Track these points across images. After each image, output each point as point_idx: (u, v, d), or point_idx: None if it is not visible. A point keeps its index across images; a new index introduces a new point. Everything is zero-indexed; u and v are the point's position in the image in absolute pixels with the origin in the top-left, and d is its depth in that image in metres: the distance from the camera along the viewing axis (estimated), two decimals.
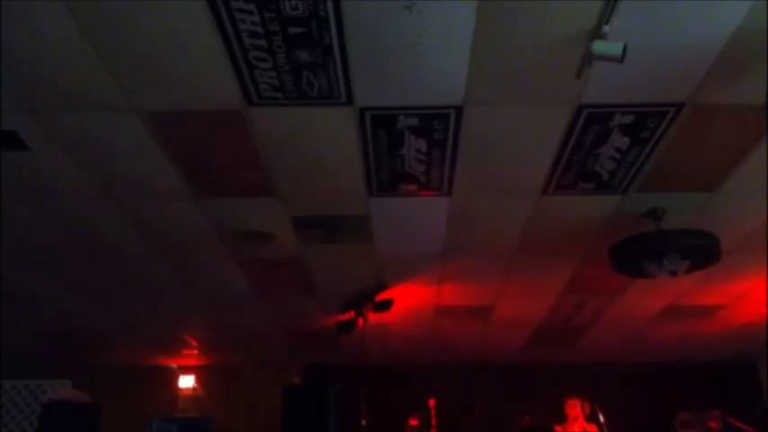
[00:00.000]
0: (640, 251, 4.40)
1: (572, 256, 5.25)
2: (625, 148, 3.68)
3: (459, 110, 3.29)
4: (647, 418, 7.88)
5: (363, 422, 6.07)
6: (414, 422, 7.08)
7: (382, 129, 3.47)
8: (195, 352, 8.23)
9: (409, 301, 6.25)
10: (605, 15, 2.63)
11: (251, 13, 2.62)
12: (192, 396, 8.67)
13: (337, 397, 6.11)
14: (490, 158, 3.77)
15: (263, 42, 2.79)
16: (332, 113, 3.32)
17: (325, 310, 6.48)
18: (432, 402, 6.80)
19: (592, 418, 6.13)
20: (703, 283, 5.72)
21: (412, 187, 4.08)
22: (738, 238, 4.79)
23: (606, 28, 2.66)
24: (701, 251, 4.40)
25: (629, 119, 3.40)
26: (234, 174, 3.95)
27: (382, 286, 5.84)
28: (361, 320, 6.05)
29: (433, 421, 6.65)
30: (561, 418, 6.36)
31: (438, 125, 3.43)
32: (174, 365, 8.78)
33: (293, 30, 2.72)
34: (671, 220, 4.37)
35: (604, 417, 5.95)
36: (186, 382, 8.72)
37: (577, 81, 3.02)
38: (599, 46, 2.66)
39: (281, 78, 3.02)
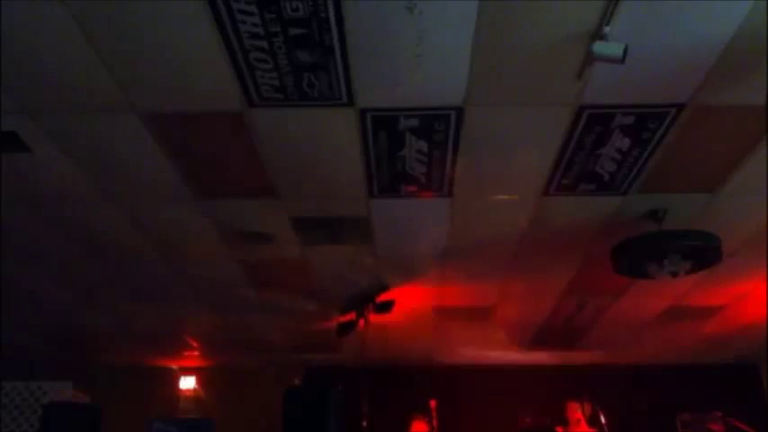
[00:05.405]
0: (641, 252, 4.39)
1: (573, 257, 5.24)
2: (626, 148, 3.67)
3: (459, 111, 3.29)
4: (647, 418, 7.86)
5: (364, 423, 6.07)
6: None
7: (383, 130, 3.46)
8: (196, 353, 8.23)
9: (410, 302, 6.24)
10: (606, 16, 2.63)
11: (252, 14, 2.62)
12: (193, 397, 8.66)
13: (338, 398, 6.09)
14: (491, 159, 3.77)
15: (263, 43, 2.79)
16: (333, 114, 3.32)
17: (326, 312, 6.47)
18: (433, 403, 6.78)
19: (593, 421, 6.11)
20: (704, 284, 5.71)
21: (413, 188, 4.08)
22: (739, 239, 4.79)
23: (607, 29, 2.66)
24: (702, 252, 4.39)
25: (629, 120, 3.40)
26: (235, 175, 3.96)
27: (383, 287, 5.83)
28: (362, 321, 6.05)
29: (434, 422, 6.63)
30: (562, 419, 6.35)
31: (439, 126, 3.43)
32: (174, 367, 8.78)
33: (294, 31, 2.72)
34: (672, 221, 4.37)
35: (605, 418, 5.93)
36: (187, 383, 8.71)
37: (578, 82, 3.02)
38: (600, 47, 2.66)
39: (282, 79, 3.02)
